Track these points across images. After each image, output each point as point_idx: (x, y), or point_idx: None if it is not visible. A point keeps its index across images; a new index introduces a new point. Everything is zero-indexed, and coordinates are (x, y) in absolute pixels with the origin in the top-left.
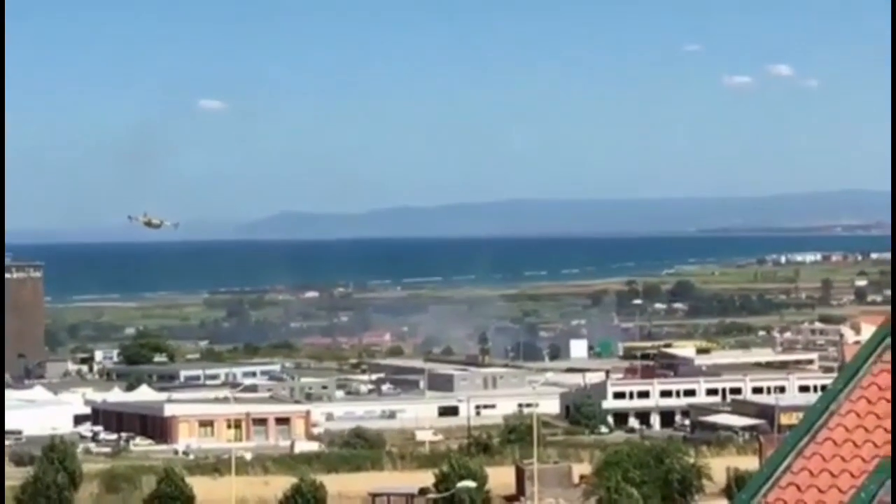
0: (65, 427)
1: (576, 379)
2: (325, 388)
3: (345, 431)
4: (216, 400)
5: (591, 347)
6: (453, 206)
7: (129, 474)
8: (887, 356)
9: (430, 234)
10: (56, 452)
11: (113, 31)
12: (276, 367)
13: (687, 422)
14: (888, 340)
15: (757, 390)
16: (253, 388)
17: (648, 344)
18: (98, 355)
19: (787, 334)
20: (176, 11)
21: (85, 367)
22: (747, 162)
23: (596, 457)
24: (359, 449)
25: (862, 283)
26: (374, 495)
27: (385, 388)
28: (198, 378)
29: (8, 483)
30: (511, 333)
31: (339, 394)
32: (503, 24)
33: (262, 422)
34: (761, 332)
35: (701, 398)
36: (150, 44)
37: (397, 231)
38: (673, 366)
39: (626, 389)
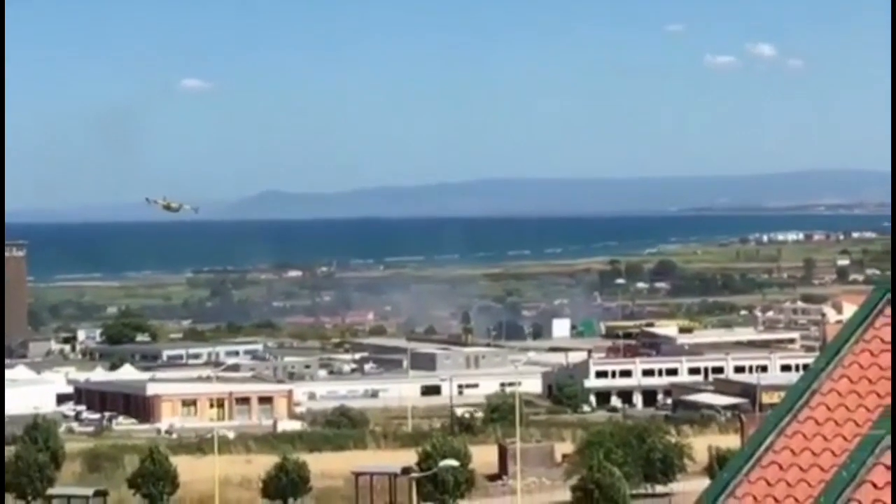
0: (47, 406)
1: (558, 358)
2: (307, 367)
3: (327, 411)
4: (199, 379)
5: (573, 327)
6: (436, 185)
7: (112, 453)
8: (869, 335)
9: (413, 213)
10: (38, 431)
11: (94, 8)
12: (259, 347)
13: (669, 401)
14: (869, 319)
15: (739, 369)
16: (235, 368)
17: (631, 323)
18: (81, 335)
19: (770, 313)
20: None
21: (67, 347)
22: (730, 141)
23: (578, 436)
24: (342, 428)
25: (844, 262)
26: (357, 474)
27: (368, 367)
28: (180, 357)
29: None
30: (494, 313)
31: (322, 373)
32: (482, 3)
33: (244, 401)
34: (743, 312)
35: (683, 377)
36: (131, 23)
37: (380, 210)
38: (655, 345)
39: (609, 368)
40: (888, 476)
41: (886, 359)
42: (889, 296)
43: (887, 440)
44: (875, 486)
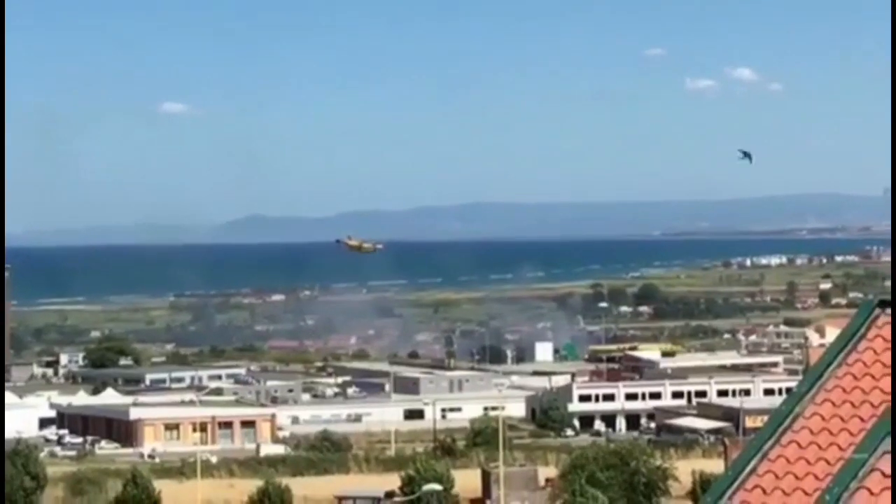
0: (30, 430)
1: (541, 382)
2: (290, 391)
3: (311, 435)
4: (182, 403)
5: (556, 350)
6: (420, 209)
7: (95, 477)
8: (851, 359)
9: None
10: (19, 456)
11: (75, 32)
12: (242, 371)
13: (652, 424)
14: (852, 343)
15: (722, 393)
16: (219, 392)
17: (614, 347)
18: (63, 359)
19: (752, 337)
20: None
21: (50, 371)
22: (712, 165)
23: (562, 460)
24: (325, 452)
25: (826, 286)
26: (341, 498)
27: (351, 391)
28: (163, 381)
29: None
30: (477, 336)
31: (305, 397)
32: (471, 29)
33: (227, 425)
34: (726, 335)
35: (666, 401)
36: (113, 46)
37: (363, 234)
38: (638, 368)
39: (592, 392)
40: (871, 500)
41: (869, 382)
42: (873, 317)
43: (871, 462)
44: None
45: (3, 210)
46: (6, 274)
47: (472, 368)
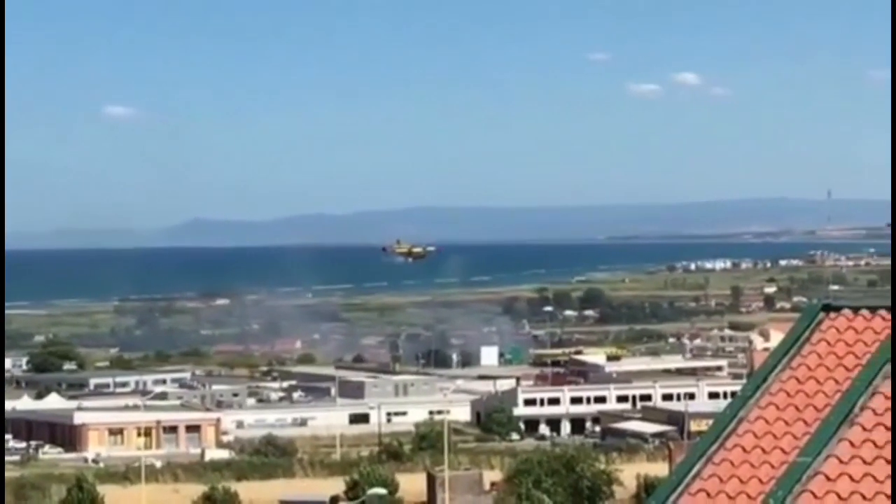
0: None
1: (487, 386)
2: (235, 395)
3: (256, 439)
4: (126, 408)
5: (501, 354)
6: (365, 213)
7: (39, 483)
8: (795, 363)
9: (341, 241)
10: None
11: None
12: (187, 375)
13: (597, 428)
14: (796, 347)
15: (667, 397)
16: (163, 396)
17: (559, 351)
18: (7, 363)
19: (697, 341)
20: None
21: None
22: (656, 170)
23: (507, 464)
24: (270, 457)
25: (771, 290)
26: (285, 503)
27: (296, 395)
28: (108, 386)
29: None
30: (422, 340)
31: (250, 401)
32: (415, 32)
33: (172, 429)
34: (671, 339)
35: (611, 405)
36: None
37: (309, 238)
38: (583, 373)
39: (537, 396)
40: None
41: (813, 386)
42: (817, 321)
43: (815, 465)
44: None
45: (3, 210)
46: None
47: (417, 373)
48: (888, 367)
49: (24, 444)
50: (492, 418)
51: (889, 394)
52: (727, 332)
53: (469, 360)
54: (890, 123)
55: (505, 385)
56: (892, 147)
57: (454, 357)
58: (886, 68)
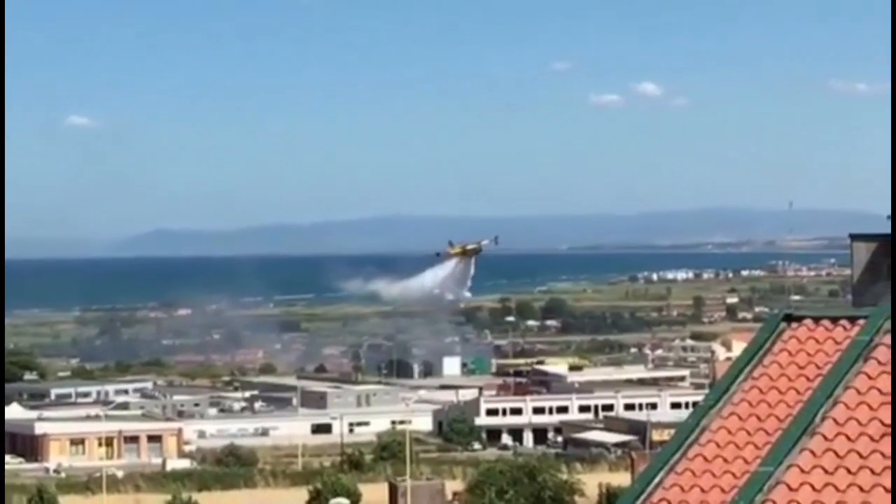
0: None
1: (449, 396)
2: (197, 405)
3: (217, 449)
4: (88, 418)
5: (464, 364)
6: (324, 223)
7: None
8: (758, 372)
9: (304, 251)
10: None
11: None
12: (148, 385)
13: (559, 438)
14: (758, 357)
15: (629, 407)
16: (125, 406)
17: (521, 361)
18: None
19: (659, 351)
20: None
21: None
22: (618, 180)
23: (469, 473)
24: (231, 467)
25: (733, 300)
26: None
27: (258, 405)
28: (69, 396)
29: None
30: (384, 350)
31: (212, 411)
32: (380, 42)
33: (133, 440)
34: (633, 349)
35: (573, 415)
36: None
37: (271, 248)
38: (545, 382)
39: (499, 406)
40: None
41: (775, 396)
42: (779, 331)
43: (776, 475)
44: None
45: (3, 211)
46: None
47: (379, 382)
48: (849, 377)
49: None
50: (454, 428)
51: (850, 403)
52: (689, 342)
53: (431, 370)
54: (890, 125)
55: (467, 395)
56: (892, 147)
57: (416, 367)
58: (847, 78)
